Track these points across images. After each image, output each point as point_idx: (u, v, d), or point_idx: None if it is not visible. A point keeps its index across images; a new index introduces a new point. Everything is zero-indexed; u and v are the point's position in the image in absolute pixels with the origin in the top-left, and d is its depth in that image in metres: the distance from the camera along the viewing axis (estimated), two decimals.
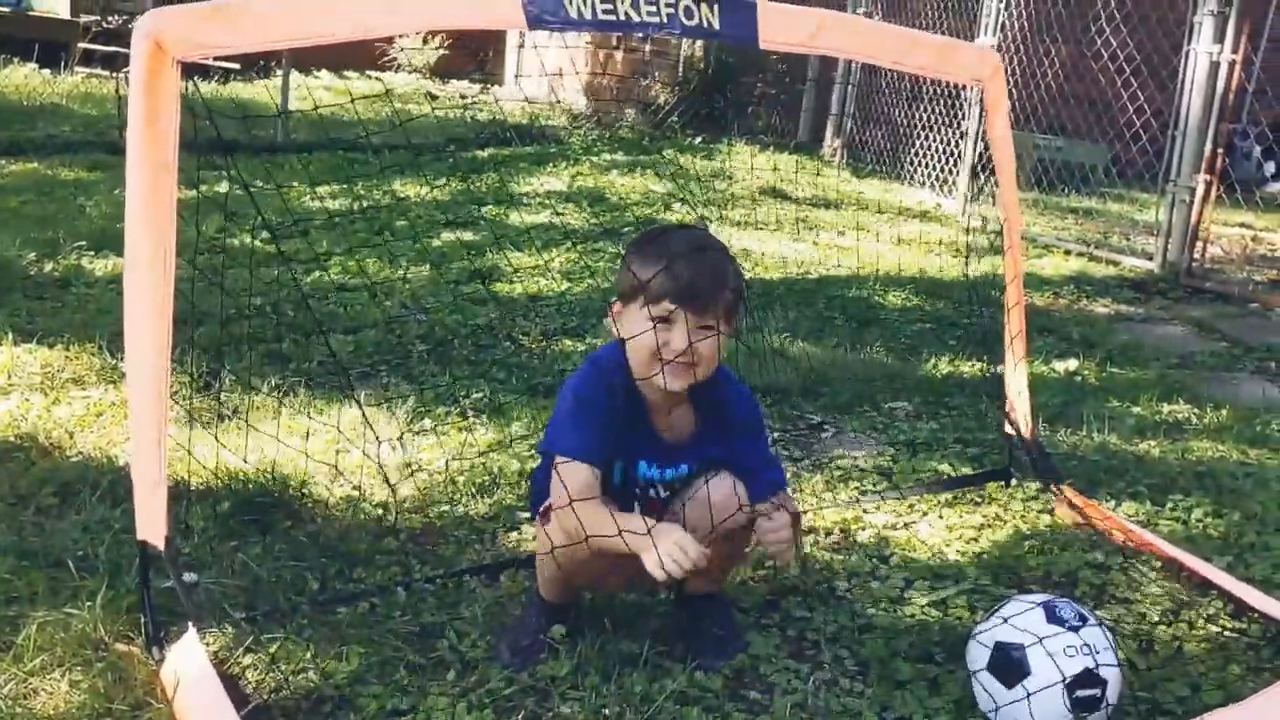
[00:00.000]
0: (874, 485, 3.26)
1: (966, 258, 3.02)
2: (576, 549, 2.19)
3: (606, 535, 2.09)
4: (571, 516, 2.13)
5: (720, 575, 2.47)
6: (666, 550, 2.05)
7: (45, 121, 8.91)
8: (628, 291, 2.22)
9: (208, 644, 2.23)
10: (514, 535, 2.87)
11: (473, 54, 13.07)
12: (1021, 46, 7.47)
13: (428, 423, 3.52)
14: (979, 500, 3.20)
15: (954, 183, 7.88)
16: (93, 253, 5.16)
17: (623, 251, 2.31)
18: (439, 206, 6.62)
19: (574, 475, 2.15)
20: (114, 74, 10.57)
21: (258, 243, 5.25)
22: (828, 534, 2.96)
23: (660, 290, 2.15)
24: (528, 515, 2.96)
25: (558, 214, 6.60)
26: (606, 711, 2.16)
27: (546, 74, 10.94)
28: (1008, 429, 3.27)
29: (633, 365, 2.23)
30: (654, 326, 2.16)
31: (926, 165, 8.28)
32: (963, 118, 7.79)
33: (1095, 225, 7.49)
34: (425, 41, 12.46)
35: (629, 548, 2.09)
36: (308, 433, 3.18)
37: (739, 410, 2.34)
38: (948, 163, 8.02)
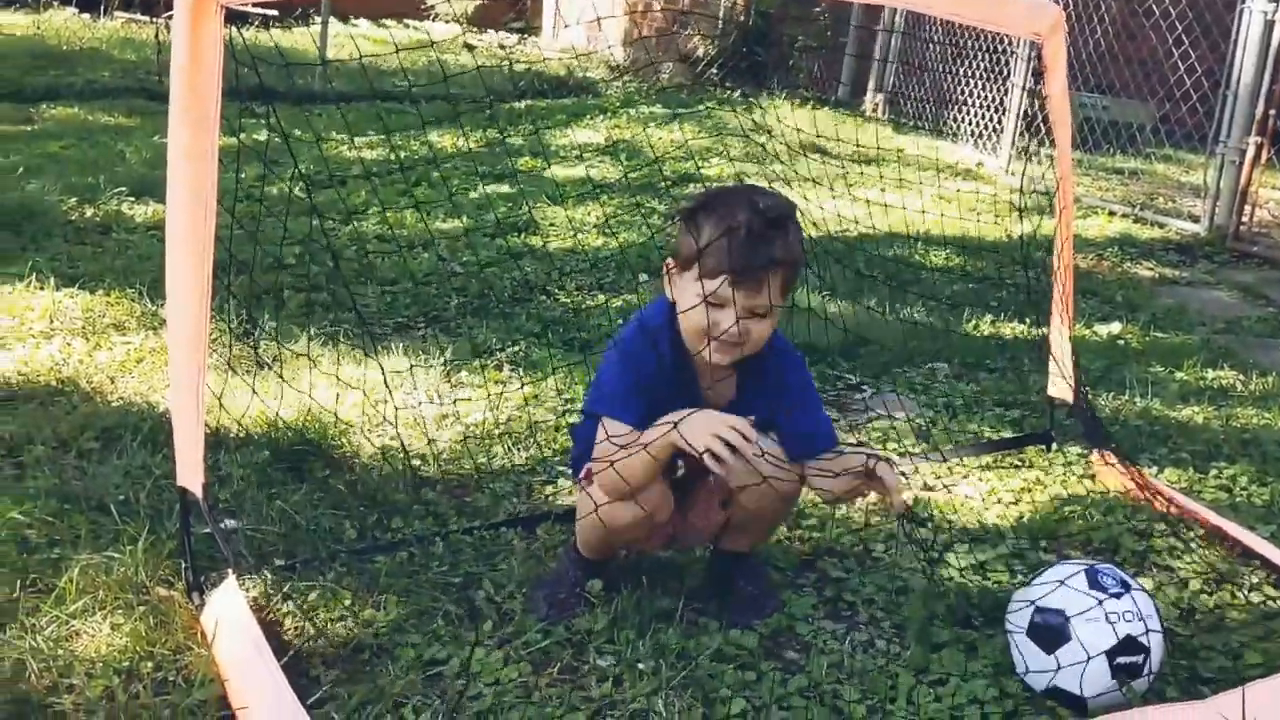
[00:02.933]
0: (912, 447, 3.24)
1: (1021, 215, 2.96)
2: (619, 507, 2.19)
3: (642, 459, 2.10)
4: (614, 474, 2.12)
5: (762, 536, 2.46)
6: (712, 434, 2.01)
7: (85, 67, 8.93)
8: (686, 257, 2.15)
9: (247, 590, 2.25)
10: (550, 488, 2.87)
11: (511, 3, 12.97)
12: (1070, 3, 7.31)
13: (464, 375, 3.51)
14: (1019, 464, 3.17)
15: (998, 140, 7.76)
16: (132, 199, 5.18)
17: (680, 207, 2.24)
18: (476, 159, 6.59)
19: (620, 435, 2.14)
20: (153, 19, 10.56)
21: (296, 193, 5.25)
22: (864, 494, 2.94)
23: (716, 266, 2.09)
24: (564, 469, 2.96)
25: (594, 167, 6.55)
26: (642, 666, 2.16)
27: (588, 23, 10.83)
28: (1050, 392, 3.23)
29: (683, 333, 2.20)
30: (706, 303, 2.11)
31: (970, 122, 8.15)
32: (1008, 73, 7.65)
33: (1141, 187, 7.36)
34: None
35: (672, 449, 2.08)
36: (328, 390, 3.18)
37: (789, 374, 2.30)
38: (991, 120, 7.90)
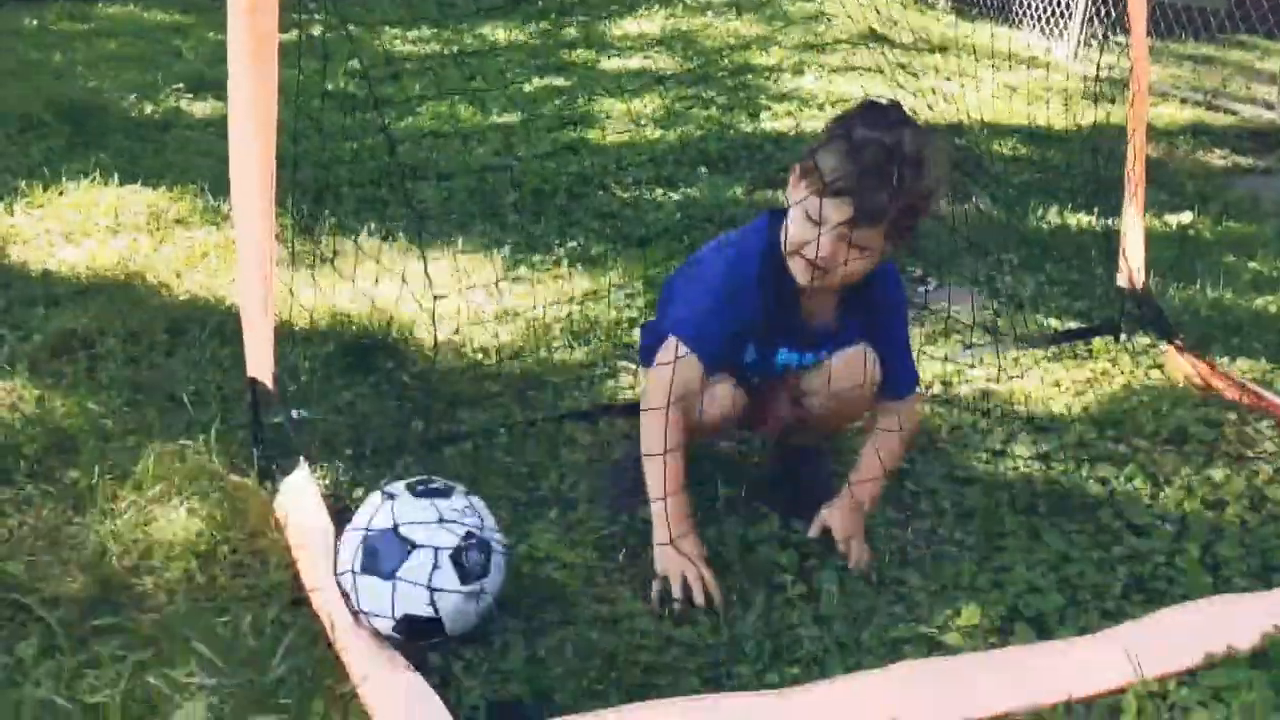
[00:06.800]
0: (977, 339, 3.20)
1: (1095, 101, 2.87)
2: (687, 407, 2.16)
3: (653, 491, 2.10)
4: (657, 415, 2.08)
5: (829, 435, 2.46)
6: (678, 572, 2.05)
7: None
8: (807, 167, 2.06)
9: (319, 478, 2.29)
10: (610, 383, 2.88)
11: None
12: None
13: (523, 271, 3.51)
14: (1086, 355, 3.13)
15: (1065, 27, 7.51)
16: (190, 95, 5.19)
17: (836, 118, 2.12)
18: (529, 51, 6.50)
19: (683, 369, 2.09)
20: None
21: (351, 87, 5.22)
22: (928, 387, 2.92)
23: (828, 188, 2.00)
24: (624, 363, 2.97)
25: (650, 58, 6.44)
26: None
27: None
28: (1119, 282, 3.16)
29: (787, 239, 2.13)
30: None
31: (1036, 7, 7.88)
32: None
33: (1213, 73, 7.11)
34: None
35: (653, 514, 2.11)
36: (389, 284, 3.18)
37: (884, 290, 2.26)
38: (1059, 5, 7.63)
